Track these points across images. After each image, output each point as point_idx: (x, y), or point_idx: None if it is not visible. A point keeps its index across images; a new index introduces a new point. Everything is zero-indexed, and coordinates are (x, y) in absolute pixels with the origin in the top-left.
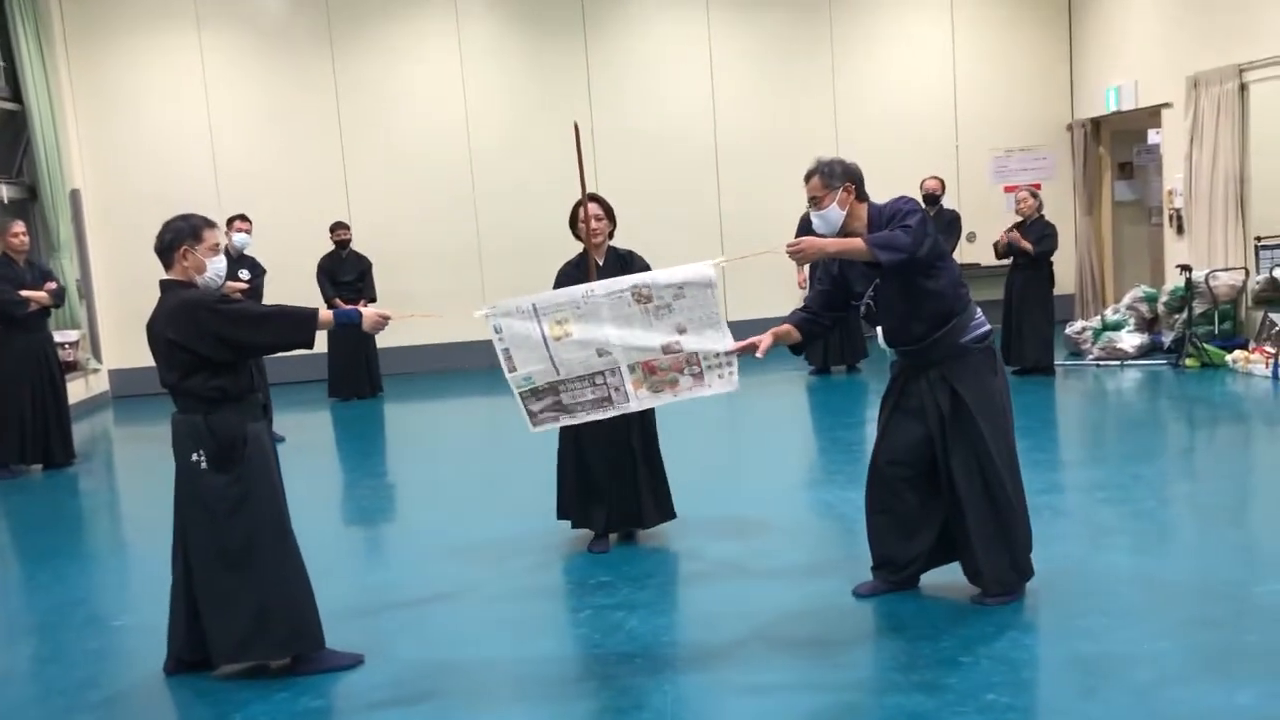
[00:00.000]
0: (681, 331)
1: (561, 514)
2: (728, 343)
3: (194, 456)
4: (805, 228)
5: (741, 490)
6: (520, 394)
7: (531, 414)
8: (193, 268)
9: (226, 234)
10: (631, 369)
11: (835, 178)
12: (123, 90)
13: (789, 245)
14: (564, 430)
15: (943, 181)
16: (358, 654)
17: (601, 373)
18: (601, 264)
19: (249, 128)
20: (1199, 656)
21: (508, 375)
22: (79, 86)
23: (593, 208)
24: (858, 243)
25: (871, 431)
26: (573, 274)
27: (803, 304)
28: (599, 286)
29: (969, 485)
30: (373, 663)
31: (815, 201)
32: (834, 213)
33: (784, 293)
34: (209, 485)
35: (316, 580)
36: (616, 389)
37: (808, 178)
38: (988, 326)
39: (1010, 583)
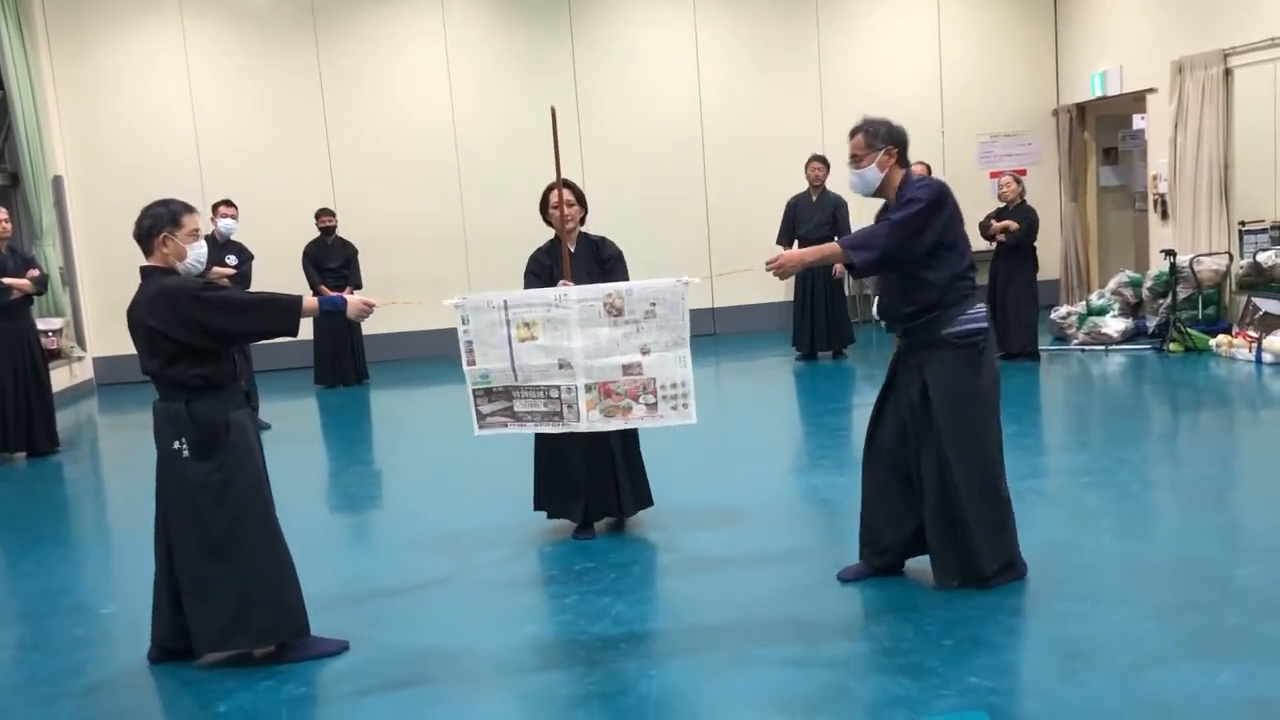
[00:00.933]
0: (645, 353)
1: (538, 505)
2: (687, 373)
3: (176, 444)
4: (789, 223)
5: (727, 476)
6: (474, 390)
7: (480, 414)
8: (172, 254)
9: (212, 219)
10: (588, 388)
11: (879, 139)
12: (105, 76)
13: (769, 263)
14: None
15: (929, 167)
16: (343, 640)
17: (557, 387)
18: (573, 250)
19: (233, 114)
20: (1181, 639)
21: (466, 368)
22: (60, 72)
23: (565, 193)
24: (834, 248)
25: (858, 417)
26: (544, 260)
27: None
28: (573, 291)
29: (929, 480)
30: (358, 649)
31: (855, 160)
32: (872, 173)
33: (770, 280)
34: (191, 473)
35: (301, 567)
36: (569, 406)
37: (852, 134)
38: (982, 324)
39: (953, 581)
